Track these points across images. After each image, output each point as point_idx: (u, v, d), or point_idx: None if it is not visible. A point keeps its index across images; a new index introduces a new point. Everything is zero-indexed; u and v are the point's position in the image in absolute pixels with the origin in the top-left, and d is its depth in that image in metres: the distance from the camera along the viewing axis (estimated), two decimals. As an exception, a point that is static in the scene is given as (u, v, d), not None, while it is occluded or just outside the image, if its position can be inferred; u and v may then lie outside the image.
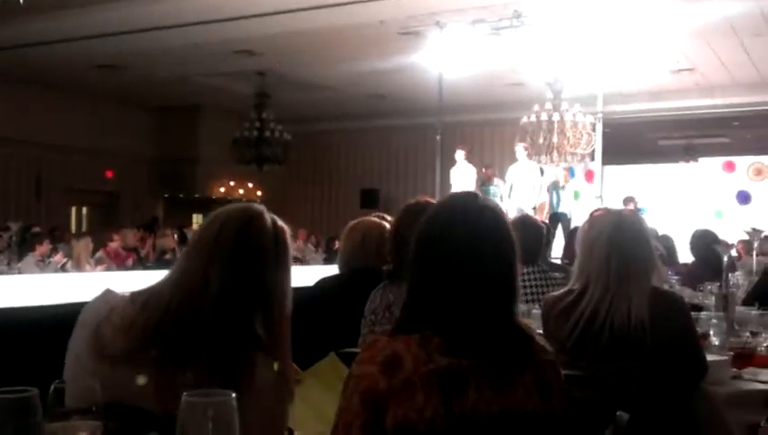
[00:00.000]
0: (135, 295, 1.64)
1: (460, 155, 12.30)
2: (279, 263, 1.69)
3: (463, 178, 12.12)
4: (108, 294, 1.67)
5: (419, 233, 1.62)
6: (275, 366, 1.62)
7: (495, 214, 1.60)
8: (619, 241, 2.42)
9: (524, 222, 3.98)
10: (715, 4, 9.26)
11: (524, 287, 3.74)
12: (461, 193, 1.67)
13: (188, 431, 1.18)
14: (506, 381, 1.49)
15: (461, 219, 1.57)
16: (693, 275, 5.35)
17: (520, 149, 11.40)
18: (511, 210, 10.52)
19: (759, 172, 12.47)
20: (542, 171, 11.90)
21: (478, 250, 1.54)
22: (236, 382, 1.48)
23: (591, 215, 2.72)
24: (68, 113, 14.81)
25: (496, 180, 12.46)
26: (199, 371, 1.52)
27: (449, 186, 12.06)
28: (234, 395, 1.18)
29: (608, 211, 2.67)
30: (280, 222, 1.74)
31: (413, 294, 1.60)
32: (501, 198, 11.59)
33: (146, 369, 1.53)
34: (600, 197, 12.69)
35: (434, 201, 2.86)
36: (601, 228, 2.46)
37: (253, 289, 1.64)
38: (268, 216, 1.73)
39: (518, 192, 11.40)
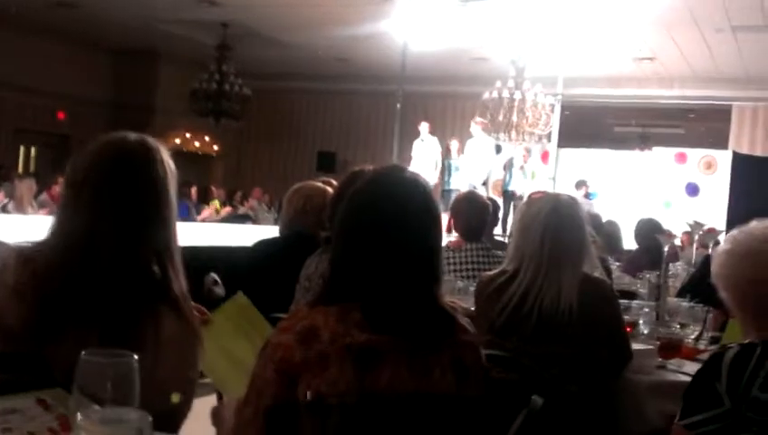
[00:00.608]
0: (26, 257, 1.52)
1: (424, 128, 12.28)
2: (165, 199, 1.56)
3: (426, 151, 12.11)
4: None
5: (345, 205, 1.59)
6: (179, 315, 1.55)
7: (422, 190, 1.58)
8: (554, 225, 2.42)
9: (469, 199, 3.98)
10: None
11: (466, 263, 3.74)
12: (389, 167, 1.64)
13: (86, 391, 1.14)
14: (423, 359, 1.47)
15: (387, 193, 1.54)
16: (634, 263, 5.44)
17: (474, 126, 11.48)
18: (463, 186, 10.59)
19: (709, 166, 12.67)
20: (499, 148, 11.94)
21: (401, 225, 1.51)
22: (141, 339, 1.43)
23: (529, 197, 2.73)
24: (20, 51, 14.33)
25: (460, 155, 12.43)
26: (101, 333, 1.44)
27: (409, 157, 12.05)
28: (134, 356, 1.14)
29: (545, 195, 2.68)
30: (162, 151, 1.59)
31: (335, 265, 1.57)
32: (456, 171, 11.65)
33: (46, 338, 1.45)
34: (554, 178, 12.82)
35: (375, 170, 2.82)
36: (537, 211, 2.46)
37: (142, 236, 1.53)
38: (144, 144, 1.58)
39: (471, 168, 11.50)
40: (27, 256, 1.51)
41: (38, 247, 1.54)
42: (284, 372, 1.42)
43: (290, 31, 13.00)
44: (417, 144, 12.26)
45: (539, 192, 3.04)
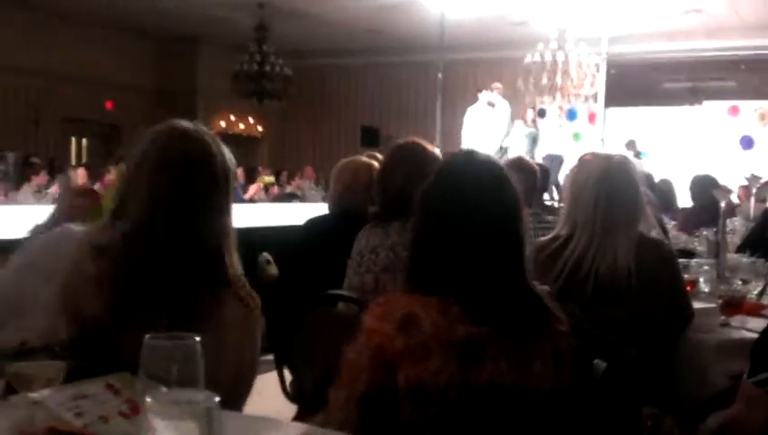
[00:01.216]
0: (101, 246, 1.54)
1: (485, 96, 11.82)
2: (223, 188, 1.60)
3: (493, 117, 11.78)
4: (63, 239, 1.57)
5: (423, 192, 1.57)
6: (239, 298, 1.59)
7: (497, 174, 1.56)
8: (607, 186, 2.37)
9: (518, 165, 3.93)
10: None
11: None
12: (459, 154, 1.61)
13: (152, 374, 1.17)
14: (522, 351, 1.45)
15: (460, 184, 1.52)
16: (691, 220, 5.34)
17: (487, 93, 11.35)
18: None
19: (763, 117, 12.32)
20: (542, 112, 11.70)
21: (480, 215, 1.49)
22: (207, 322, 1.45)
23: (580, 159, 2.67)
24: (67, 42, 14.58)
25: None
26: (170, 318, 1.47)
27: (457, 124, 11.80)
28: (197, 338, 1.16)
29: (596, 155, 2.61)
30: (218, 140, 1.63)
31: (422, 257, 1.54)
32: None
33: (121, 324, 1.49)
34: (603, 139, 12.60)
35: (422, 142, 2.81)
36: (589, 173, 2.41)
37: (202, 223, 1.56)
38: (201, 134, 1.60)
39: (492, 135, 11.41)
40: (102, 245, 1.54)
41: (108, 235, 1.57)
42: (382, 359, 1.41)
43: (325, 5, 12.97)
44: (471, 110, 11.83)
45: (589, 153, 2.97)
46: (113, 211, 1.59)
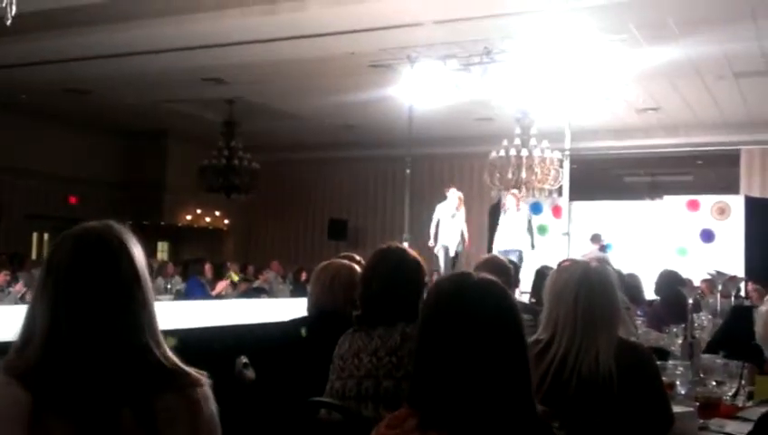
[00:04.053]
0: (11, 375, 1.41)
1: (453, 194, 11.65)
2: (137, 284, 1.53)
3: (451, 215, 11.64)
4: None
5: (422, 318, 1.56)
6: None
7: (500, 294, 1.56)
8: (587, 291, 2.42)
9: (491, 263, 3.98)
10: (680, 47, 9.46)
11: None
12: (458, 274, 1.62)
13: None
14: None
15: (458, 312, 1.52)
16: (658, 316, 5.40)
17: (510, 200, 11.19)
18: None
19: (722, 211, 12.64)
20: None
21: (479, 342, 1.49)
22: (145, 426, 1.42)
23: (559, 265, 2.74)
24: (33, 137, 14.61)
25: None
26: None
27: (425, 216, 11.74)
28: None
29: (575, 262, 2.68)
30: (126, 235, 1.57)
31: (429, 383, 1.50)
32: None
33: None
34: (568, 233, 12.80)
35: (403, 247, 2.85)
36: (568, 278, 2.46)
37: (122, 326, 1.47)
38: (107, 232, 1.56)
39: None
40: (13, 375, 1.41)
41: (19, 357, 1.45)
42: None
43: (295, 102, 13.24)
44: (440, 207, 11.49)
45: (567, 260, 3.04)
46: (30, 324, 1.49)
